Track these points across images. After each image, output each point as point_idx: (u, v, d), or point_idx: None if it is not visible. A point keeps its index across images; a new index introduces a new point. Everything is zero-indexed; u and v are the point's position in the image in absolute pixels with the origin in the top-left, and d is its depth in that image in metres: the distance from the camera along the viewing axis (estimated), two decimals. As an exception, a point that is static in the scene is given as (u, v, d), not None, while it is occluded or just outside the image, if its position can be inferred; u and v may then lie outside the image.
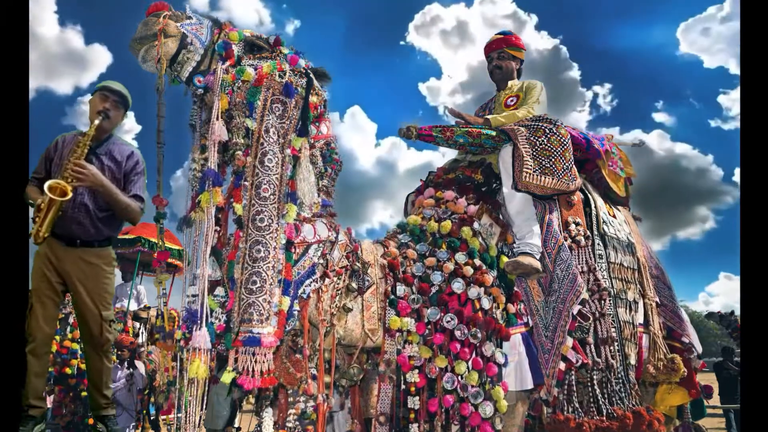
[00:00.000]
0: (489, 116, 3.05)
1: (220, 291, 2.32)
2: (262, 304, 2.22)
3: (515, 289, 2.71)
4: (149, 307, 6.57)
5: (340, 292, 2.46)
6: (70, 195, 2.75)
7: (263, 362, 2.18)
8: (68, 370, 4.94)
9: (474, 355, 2.47)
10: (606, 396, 2.72)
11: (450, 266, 2.60)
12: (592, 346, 2.70)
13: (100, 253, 3.07)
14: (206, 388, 2.27)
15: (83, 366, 5.05)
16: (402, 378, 2.46)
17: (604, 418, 2.64)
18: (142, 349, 5.99)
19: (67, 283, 3.01)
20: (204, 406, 2.28)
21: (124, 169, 3.09)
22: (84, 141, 2.89)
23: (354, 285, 2.48)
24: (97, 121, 2.96)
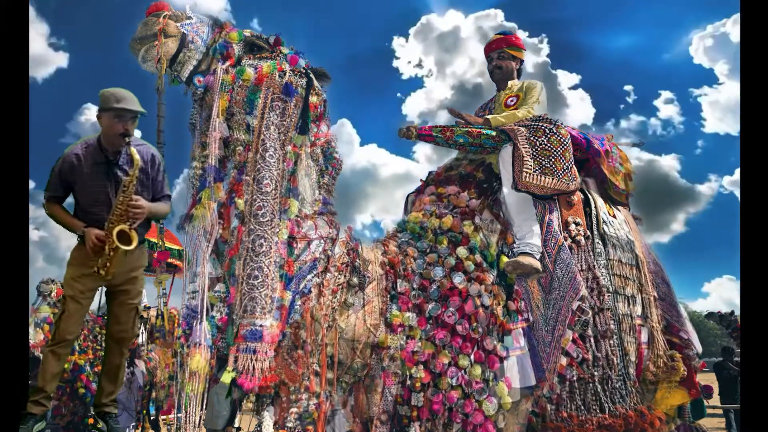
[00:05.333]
0: (489, 116, 3.05)
1: (220, 287, 2.33)
2: (264, 297, 2.24)
3: (515, 287, 2.71)
4: (149, 307, 6.59)
5: (341, 287, 2.47)
6: (136, 244, 2.85)
7: (264, 360, 2.20)
8: (66, 365, 4.94)
9: (476, 348, 2.49)
10: (608, 394, 2.74)
11: (451, 261, 2.62)
12: (592, 339, 2.72)
13: (141, 251, 3.20)
14: (206, 388, 2.28)
15: (80, 361, 5.08)
16: (408, 374, 2.47)
17: (607, 415, 2.66)
18: (143, 348, 6.00)
19: (112, 284, 3.08)
20: (204, 406, 2.29)
21: (152, 175, 3.10)
22: (130, 180, 2.82)
23: (355, 280, 2.50)
24: (137, 158, 2.82)
